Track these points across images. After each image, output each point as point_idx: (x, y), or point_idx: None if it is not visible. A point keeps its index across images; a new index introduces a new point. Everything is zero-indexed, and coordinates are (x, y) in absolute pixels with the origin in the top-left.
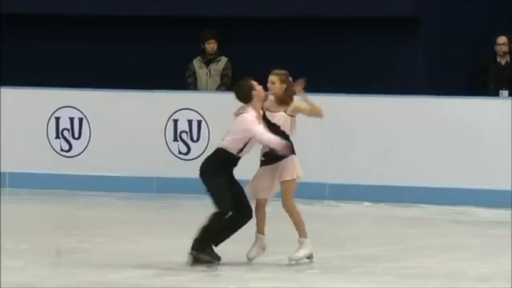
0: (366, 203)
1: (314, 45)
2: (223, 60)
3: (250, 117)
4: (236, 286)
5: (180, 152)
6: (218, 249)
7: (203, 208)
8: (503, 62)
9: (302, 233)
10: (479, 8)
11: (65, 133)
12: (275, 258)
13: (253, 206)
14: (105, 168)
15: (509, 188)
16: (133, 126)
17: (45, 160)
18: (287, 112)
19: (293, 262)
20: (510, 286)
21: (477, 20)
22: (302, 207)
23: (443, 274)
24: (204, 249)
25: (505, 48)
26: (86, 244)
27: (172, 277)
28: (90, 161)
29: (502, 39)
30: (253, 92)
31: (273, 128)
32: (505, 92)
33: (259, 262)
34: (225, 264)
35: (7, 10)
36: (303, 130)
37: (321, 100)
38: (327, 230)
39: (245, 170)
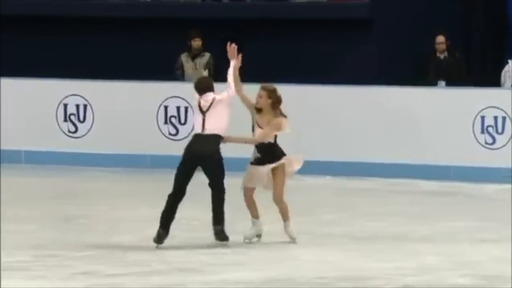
0: (328, 177)
1: (287, 43)
2: (207, 55)
3: None
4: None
5: (170, 134)
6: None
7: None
8: (441, 57)
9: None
10: (423, 11)
11: (72, 117)
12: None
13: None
14: (106, 147)
15: (446, 163)
16: (130, 111)
17: (55, 140)
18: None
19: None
20: (449, 245)
21: (421, 21)
22: None
23: (390, 236)
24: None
25: (443, 46)
26: (90, 211)
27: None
28: (93, 141)
29: (440, 39)
30: None
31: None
32: (442, 83)
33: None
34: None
35: (11, 10)
36: None
37: (290, 89)
38: (297, 199)
39: None
